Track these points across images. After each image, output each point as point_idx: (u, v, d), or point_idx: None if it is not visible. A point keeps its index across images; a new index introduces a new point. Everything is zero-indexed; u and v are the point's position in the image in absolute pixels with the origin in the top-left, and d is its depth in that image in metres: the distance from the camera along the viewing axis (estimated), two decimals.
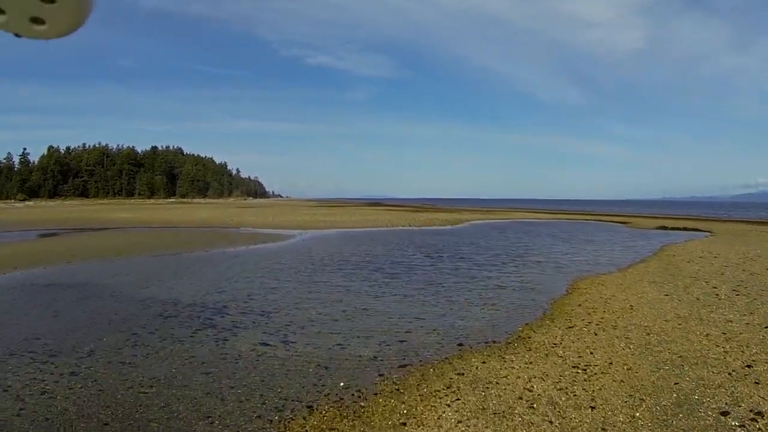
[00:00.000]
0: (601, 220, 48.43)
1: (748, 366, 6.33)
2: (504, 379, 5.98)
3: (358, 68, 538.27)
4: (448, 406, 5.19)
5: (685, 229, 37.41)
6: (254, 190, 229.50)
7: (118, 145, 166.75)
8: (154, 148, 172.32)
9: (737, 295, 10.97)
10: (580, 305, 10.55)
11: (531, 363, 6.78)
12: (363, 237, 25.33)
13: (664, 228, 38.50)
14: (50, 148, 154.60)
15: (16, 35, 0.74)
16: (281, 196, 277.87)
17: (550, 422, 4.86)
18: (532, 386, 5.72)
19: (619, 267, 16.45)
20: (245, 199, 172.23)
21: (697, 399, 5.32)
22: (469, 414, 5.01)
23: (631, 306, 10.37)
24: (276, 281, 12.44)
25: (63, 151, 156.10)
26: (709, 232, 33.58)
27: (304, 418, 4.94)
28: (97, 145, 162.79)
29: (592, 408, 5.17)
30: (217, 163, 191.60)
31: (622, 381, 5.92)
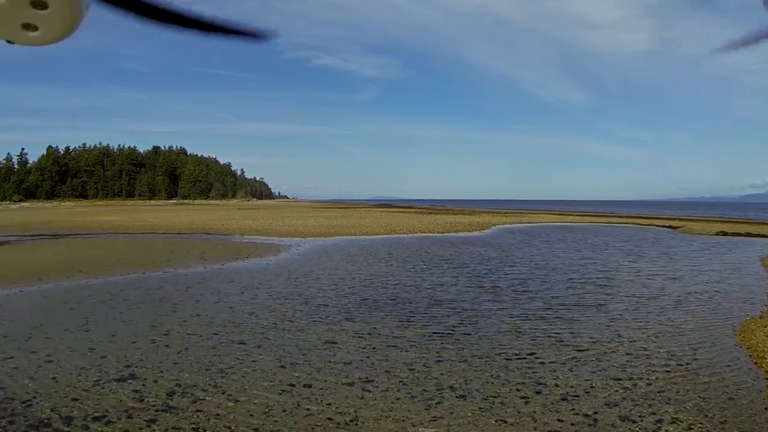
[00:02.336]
0: (640, 224, 42.63)
1: None
2: None
3: (363, 69, 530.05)
4: None
5: (749, 234, 31.78)
6: (259, 191, 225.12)
7: (119, 145, 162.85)
8: (156, 148, 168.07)
9: None
10: None
11: None
12: (377, 249, 19.84)
13: (724, 233, 32.87)
14: (49, 148, 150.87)
15: (9, 42, 0.72)
16: (287, 198, 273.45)
17: None
18: None
19: (763, 302, 11.04)
20: (249, 201, 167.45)
21: None
22: None
23: None
24: (234, 349, 6.97)
25: (62, 152, 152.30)
26: None
27: None
28: (98, 145, 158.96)
29: None
30: (221, 163, 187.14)
31: None
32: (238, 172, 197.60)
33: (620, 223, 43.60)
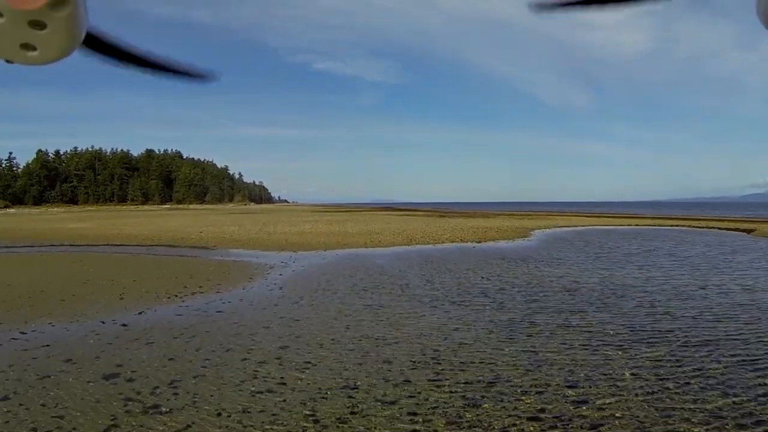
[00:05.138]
0: (696, 227, 35.81)
1: None
2: None
3: (364, 73, 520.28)
4: None
5: None
6: (259, 195, 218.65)
7: (112, 149, 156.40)
8: (150, 151, 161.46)
9: None
10: None
11: None
12: (404, 272, 13.13)
13: None
14: (39, 151, 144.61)
15: (8, 61, 0.73)
16: (287, 202, 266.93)
17: None
18: None
19: None
20: (246, 205, 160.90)
21: None
22: None
23: None
24: None
25: (52, 156, 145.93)
26: None
27: None
28: (89, 149, 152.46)
29: None
30: (218, 167, 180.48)
31: None
32: (236, 176, 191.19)
33: (674, 226, 36.82)
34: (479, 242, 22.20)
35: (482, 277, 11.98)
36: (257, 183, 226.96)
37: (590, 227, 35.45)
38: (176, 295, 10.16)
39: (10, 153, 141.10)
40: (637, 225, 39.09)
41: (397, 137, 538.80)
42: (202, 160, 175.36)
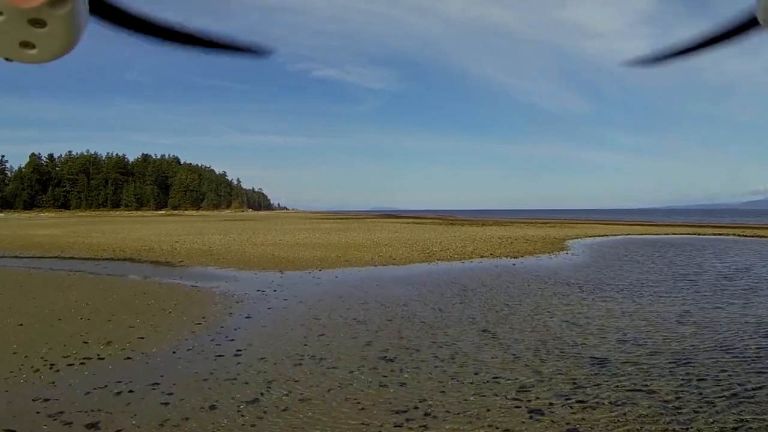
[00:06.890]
0: (744, 236, 31.28)
1: None
2: None
3: (364, 81, 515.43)
4: None
5: None
6: (257, 201, 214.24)
7: (107, 153, 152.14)
8: (146, 156, 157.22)
9: None
10: None
11: None
12: (439, 313, 8.59)
13: None
14: (32, 155, 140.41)
15: (7, 59, 0.71)
16: (287, 209, 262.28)
17: None
18: None
19: None
20: (243, 211, 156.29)
21: None
22: None
23: None
24: None
25: (45, 159, 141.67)
26: None
27: None
28: (84, 153, 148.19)
29: None
30: (216, 173, 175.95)
31: None
32: (234, 182, 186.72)
33: (718, 235, 32.26)
34: (516, 257, 17.69)
35: (571, 324, 7.44)
36: (257, 190, 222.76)
37: (627, 236, 30.93)
38: (53, 365, 5.68)
39: (2, 156, 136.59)
40: (674, 234, 34.60)
41: (398, 144, 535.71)
42: (200, 165, 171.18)
